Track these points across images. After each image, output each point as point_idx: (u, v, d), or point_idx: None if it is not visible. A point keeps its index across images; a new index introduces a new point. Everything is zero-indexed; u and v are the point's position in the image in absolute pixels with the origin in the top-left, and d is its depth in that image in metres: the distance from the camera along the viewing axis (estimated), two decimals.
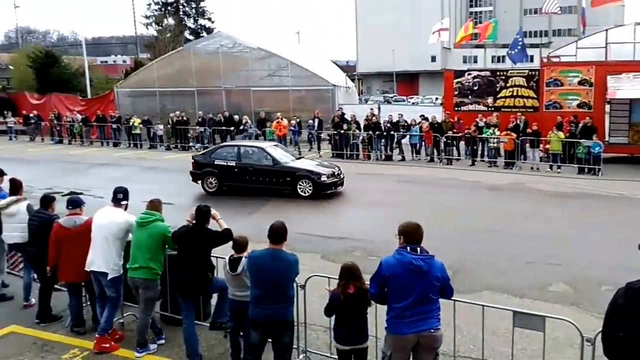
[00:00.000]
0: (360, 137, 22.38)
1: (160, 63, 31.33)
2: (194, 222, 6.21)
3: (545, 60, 23.78)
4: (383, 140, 22.10)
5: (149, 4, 54.49)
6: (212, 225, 6.35)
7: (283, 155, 16.13)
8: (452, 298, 5.07)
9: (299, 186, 14.98)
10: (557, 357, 6.19)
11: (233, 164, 15.75)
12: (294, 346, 5.88)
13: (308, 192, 14.94)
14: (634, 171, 18.36)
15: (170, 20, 50.55)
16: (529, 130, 19.51)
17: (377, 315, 5.44)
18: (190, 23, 54.78)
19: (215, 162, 15.90)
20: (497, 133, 20.03)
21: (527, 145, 19.61)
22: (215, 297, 6.75)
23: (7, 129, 32.93)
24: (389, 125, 21.96)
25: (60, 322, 7.25)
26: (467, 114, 22.46)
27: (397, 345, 4.71)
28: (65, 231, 6.77)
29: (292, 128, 23.73)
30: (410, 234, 4.74)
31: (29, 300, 7.80)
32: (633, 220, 12.05)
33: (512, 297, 8.11)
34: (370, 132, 22.01)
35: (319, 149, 23.54)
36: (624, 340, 3.71)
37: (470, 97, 23.27)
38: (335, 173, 15.53)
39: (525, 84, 22.18)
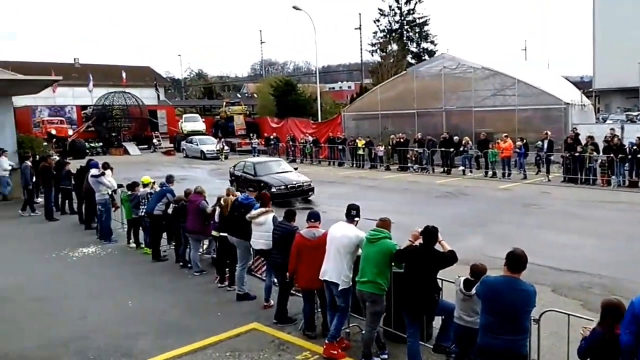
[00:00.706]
0: (599, 161, 20.22)
1: (383, 87, 32.55)
2: (418, 242, 6.27)
3: None
4: (627, 164, 19.66)
5: (375, 32, 57.18)
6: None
7: (266, 168, 19.57)
8: None
9: None
10: None
11: (239, 174, 20.14)
12: None
13: None
14: None
15: (394, 46, 52.16)
16: None
17: None
18: (413, 47, 55.87)
19: (235, 173, 20.63)
20: None
21: None
22: (438, 319, 6.76)
23: (251, 149, 37.63)
24: (635, 147, 19.54)
25: (294, 325, 7.78)
26: None
27: None
28: (305, 241, 7.27)
29: (518, 150, 22.73)
30: None
31: (269, 301, 8.46)
32: None
33: None
34: (612, 154, 19.77)
35: (547, 172, 22.00)
36: None
37: None
38: (290, 186, 18.24)
39: None
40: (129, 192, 12.51)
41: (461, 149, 24.69)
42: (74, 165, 17.75)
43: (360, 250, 6.80)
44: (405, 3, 55.30)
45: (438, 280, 6.34)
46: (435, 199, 18.76)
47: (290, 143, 34.90)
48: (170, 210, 11.40)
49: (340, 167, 30.09)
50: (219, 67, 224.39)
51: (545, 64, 65.87)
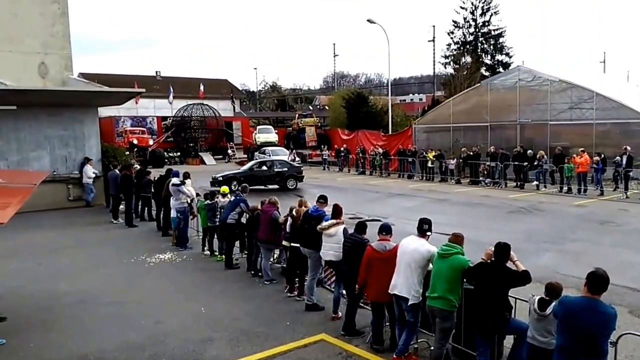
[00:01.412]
0: None
1: (456, 100, 32.21)
2: (490, 259, 6.20)
3: None
4: None
5: (449, 44, 56.72)
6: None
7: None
8: None
9: None
10: None
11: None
12: None
13: None
14: None
15: (468, 58, 51.53)
16: None
17: None
18: (487, 59, 55.01)
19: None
20: None
21: None
22: (510, 338, 6.60)
23: (322, 160, 38.14)
24: None
25: (362, 337, 7.75)
26: None
27: None
28: (376, 254, 7.23)
29: (595, 165, 21.95)
30: None
31: (337, 313, 8.47)
32: None
33: None
34: None
35: (625, 189, 21.17)
36: None
37: None
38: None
39: None
40: (207, 201, 13.00)
41: (535, 163, 24.09)
42: (153, 173, 18.62)
43: (431, 265, 6.76)
44: (481, 15, 54.72)
45: (511, 298, 6.23)
46: (508, 214, 18.38)
47: (360, 155, 35.09)
48: (244, 220, 11.84)
49: (409, 180, 29.96)
50: (292, 80, 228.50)
51: (624, 77, 62.96)
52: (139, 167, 21.07)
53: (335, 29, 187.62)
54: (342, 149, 37.41)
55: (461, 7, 55.42)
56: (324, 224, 8.71)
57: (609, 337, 4.96)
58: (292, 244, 9.77)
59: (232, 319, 8.70)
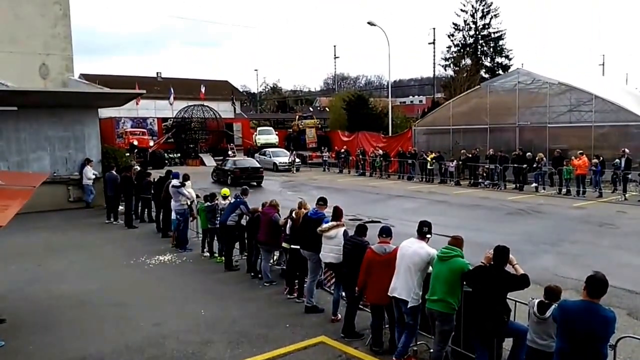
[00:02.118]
0: None
1: (455, 102, 32.29)
2: (490, 263, 6.21)
3: None
4: None
5: (449, 47, 56.90)
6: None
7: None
8: None
9: None
10: None
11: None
12: None
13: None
14: None
15: (468, 61, 51.64)
16: None
17: None
18: (486, 62, 55.15)
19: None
20: None
21: None
22: (508, 341, 6.58)
23: (322, 162, 38.23)
24: None
25: (362, 340, 7.76)
26: None
27: None
28: (376, 257, 7.24)
29: (594, 167, 22.03)
30: None
31: (336, 315, 8.49)
32: None
33: None
34: None
35: (624, 191, 21.28)
36: None
37: None
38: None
39: None
40: (207, 203, 13.03)
41: (534, 165, 24.15)
42: (153, 175, 18.64)
43: (430, 268, 6.78)
44: (481, 18, 54.89)
45: (510, 301, 6.26)
46: (507, 216, 18.44)
47: (360, 157, 35.15)
48: (243, 222, 11.87)
49: (409, 182, 30.05)
50: (292, 81, 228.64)
51: (623, 80, 63.11)
52: (139, 168, 21.09)
53: (335, 31, 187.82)
54: (342, 150, 37.50)
55: (461, 10, 55.68)
56: (324, 226, 8.72)
57: (609, 341, 4.97)
58: (292, 246, 9.80)
59: (232, 321, 8.72)
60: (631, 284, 10.38)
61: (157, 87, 57.39)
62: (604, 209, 19.41)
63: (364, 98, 48.01)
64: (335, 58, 79.57)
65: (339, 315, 8.48)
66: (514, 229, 16.00)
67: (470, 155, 27.45)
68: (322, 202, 9.50)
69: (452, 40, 56.21)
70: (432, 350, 6.88)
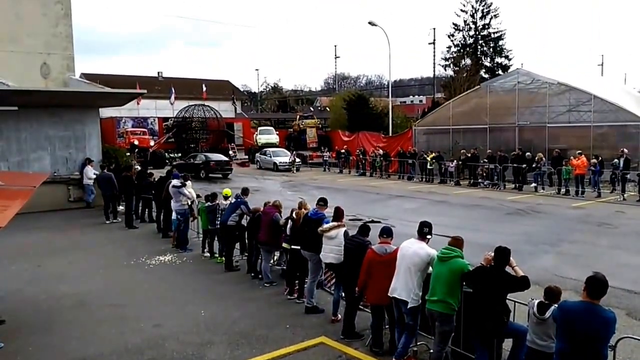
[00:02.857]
0: None
1: (455, 102, 32.31)
2: (489, 264, 6.20)
3: None
4: None
5: (449, 47, 56.94)
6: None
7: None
8: None
9: None
10: None
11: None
12: None
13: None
14: None
15: (468, 61, 51.68)
16: None
17: None
18: (486, 62, 55.20)
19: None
20: None
21: None
22: (508, 341, 6.59)
23: (323, 162, 38.26)
24: None
25: (362, 340, 7.78)
26: None
27: None
28: (376, 257, 7.24)
29: (592, 167, 22.07)
30: None
31: (336, 315, 8.49)
32: None
33: None
34: None
35: (623, 191, 21.34)
36: None
37: None
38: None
39: None
40: (207, 203, 13.03)
41: (534, 165, 24.19)
42: (154, 174, 18.64)
43: (430, 269, 6.79)
44: (481, 18, 54.94)
45: (510, 302, 6.27)
46: (506, 216, 18.47)
47: (361, 156, 35.18)
48: (244, 222, 11.88)
49: (409, 181, 30.08)
50: (293, 81, 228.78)
51: (622, 80, 63.17)
52: (139, 168, 21.10)
53: (336, 31, 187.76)
54: (342, 150, 37.50)
55: (461, 10, 55.71)
56: (325, 226, 8.73)
57: (609, 342, 4.97)
58: (292, 247, 9.80)
59: (232, 321, 8.73)
60: (630, 284, 10.41)
61: (157, 86, 57.39)
62: (603, 209, 19.45)
63: (365, 98, 48.00)
64: (335, 58, 79.80)
65: (339, 316, 8.47)
66: (514, 229, 16.04)
67: (469, 155, 27.47)
68: (322, 202, 9.48)
69: (452, 41, 56.35)
70: (432, 351, 6.89)
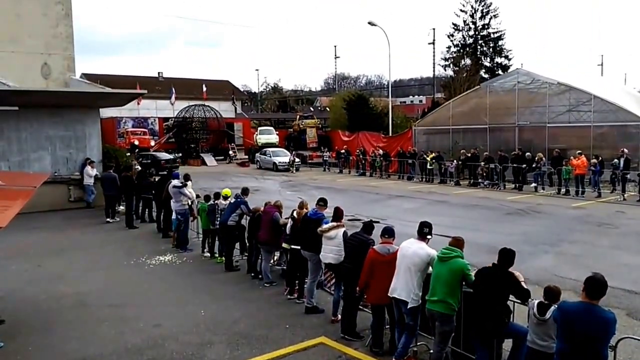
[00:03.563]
0: None
1: (455, 102, 32.31)
2: (493, 263, 6.18)
3: None
4: None
5: (449, 47, 56.93)
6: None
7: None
8: None
9: None
10: None
11: None
12: None
13: None
14: None
15: (467, 61, 51.71)
16: None
17: None
18: (486, 62, 55.22)
19: None
20: None
21: None
22: (508, 342, 6.55)
23: (322, 162, 38.28)
24: None
25: (362, 340, 7.76)
26: None
27: None
28: (379, 257, 7.22)
29: (592, 167, 22.08)
30: None
31: (337, 315, 8.45)
32: None
33: None
34: None
35: (623, 191, 21.35)
36: None
37: None
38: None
39: None
40: (208, 203, 13.03)
41: (533, 165, 24.20)
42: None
43: (431, 269, 6.78)
44: (480, 18, 54.96)
45: (510, 302, 6.26)
46: (506, 216, 18.47)
47: (361, 156, 35.19)
48: (244, 222, 11.88)
49: (409, 181, 30.07)
50: (293, 81, 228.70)
51: (622, 80, 63.19)
52: (139, 168, 21.10)
53: (336, 31, 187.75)
54: (342, 150, 37.51)
55: (461, 10, 55.72)
56: (325, 226, 8.72)
57: (609, 342, 4.97)
58: (292, 247, 9.79)
59: (232, 321, 8.73)
60: (630, 284, 10.40)
61: (158, 86, 57.41)
62: (603, 209, 19.45)
63: (365, 98, 47.98)
64: (335, 58, 79.72)
65: (339, 316, 8.44)
66: (514, 229, 16.04)
67: (469, 155, 27.48)
68: (322, 202, 9.47)
69: (451, 41, 56.34)
70: (432, 351, 6.88)
